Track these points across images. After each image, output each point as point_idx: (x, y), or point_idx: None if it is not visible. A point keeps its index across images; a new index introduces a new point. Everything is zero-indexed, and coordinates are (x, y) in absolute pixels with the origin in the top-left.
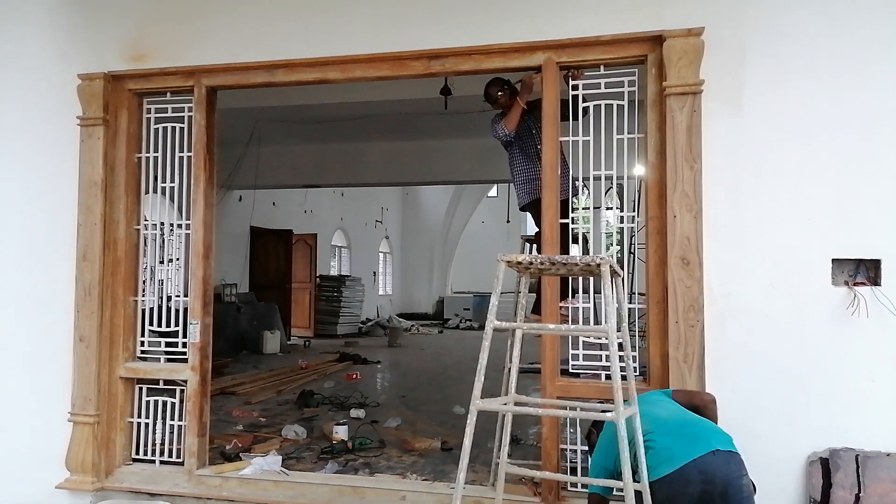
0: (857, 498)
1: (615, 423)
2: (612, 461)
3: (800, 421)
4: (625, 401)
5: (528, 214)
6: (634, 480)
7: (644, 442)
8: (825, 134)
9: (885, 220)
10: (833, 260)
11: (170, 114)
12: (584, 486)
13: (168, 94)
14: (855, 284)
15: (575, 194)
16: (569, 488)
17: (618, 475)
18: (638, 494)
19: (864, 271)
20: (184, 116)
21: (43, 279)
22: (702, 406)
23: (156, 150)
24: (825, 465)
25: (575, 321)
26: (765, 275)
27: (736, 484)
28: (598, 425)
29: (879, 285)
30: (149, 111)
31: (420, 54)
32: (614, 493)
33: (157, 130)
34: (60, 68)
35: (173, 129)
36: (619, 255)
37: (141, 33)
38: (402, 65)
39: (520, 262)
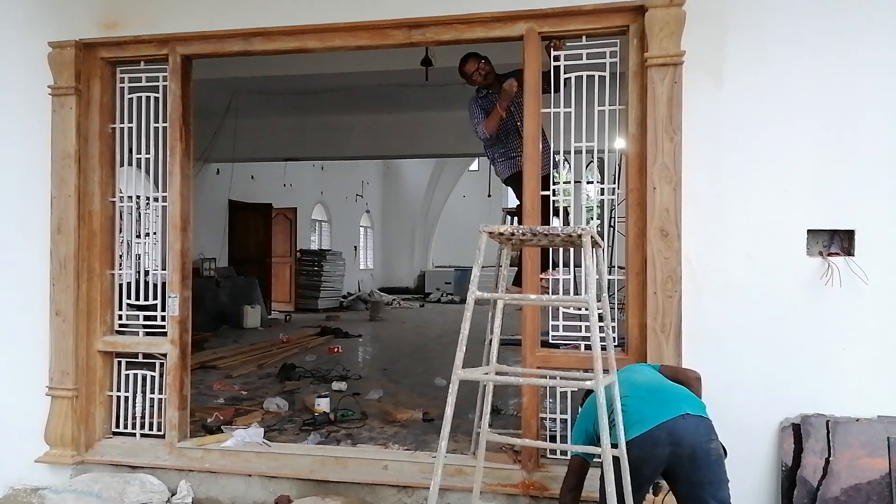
0: (827, 462)
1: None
2: (592, 424)
3: (773, 388)
4: (604, 370)
5: (510, 189)
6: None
7: None
8: (804, 108)
9: (860, 192)
10: (808, 231)
11: (144, 83)
12: (563, 453)
13: (142, 62)
14: (829, 255)
15: (555, 168)
16: (548, 455)
17: (598, 439)
18: (615, 460)
19: (838, 242)
20: (158, 86)
21: (17, 252)
22: (685, 382)
23: (130, 121)
24: (797, 431)
25: (555, 293)
26: (742, 246)
27: (704, 448)
28: (590, 394)
29: (853, 255)
30: (122, 80)
31: (400, 23)
32: (593, 460)
33: (131, 100)
34: (30, 36)
35: (147, 98)
36: (600, 229)
37: (113, 0)
38: (382, 34)
39: (502, 233)
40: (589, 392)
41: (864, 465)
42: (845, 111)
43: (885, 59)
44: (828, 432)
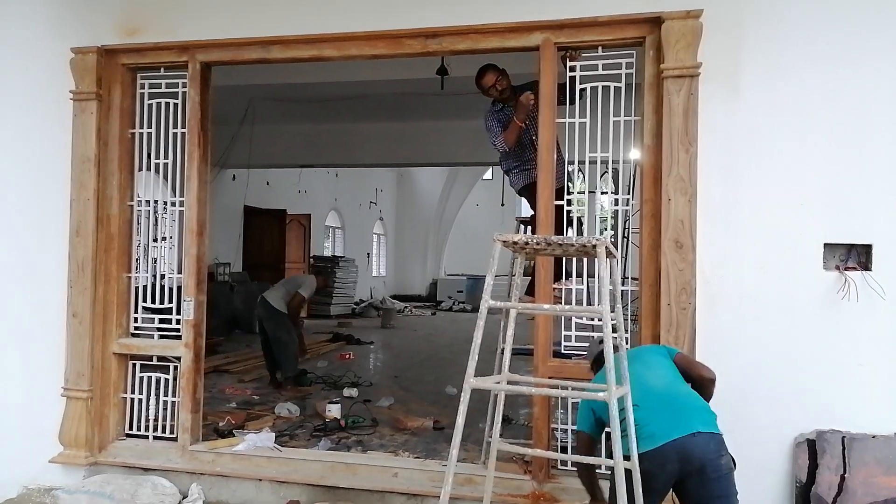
0: (843, 479)
1: (605, 375)
2: (599, 405)
3: (788, 402)
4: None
5: (523, 199)
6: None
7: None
8: (820, 119)
9: (878, 206)
10: (825, 245)
11: (164, 89)
12: (573, 464)
13: (162, 69)
14: (846, 269)
15: (569, 180)
16: (559, 467)
17: (602, 421)
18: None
19: (856, 256)
20: (178, 92)
21: (36, 254)
22: (699, 382)
23: (149, 126)
24: (812, 447)
25: (568, 303)
26: (757, 258)
27: (714, 464)
28: (599, 361)
29: (870, 270)
30: (142, 86)
31: (417, 33)
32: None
33: (150, 106)
34: (53, 42)
35: (167, 104)
36: (613, 240)
37: (135, 7)
38: (398, 43)
39: (516, 242)
40: (596, 361)
41: (881, 483)
42: (862, 123)
43: None
44: (843, 448)
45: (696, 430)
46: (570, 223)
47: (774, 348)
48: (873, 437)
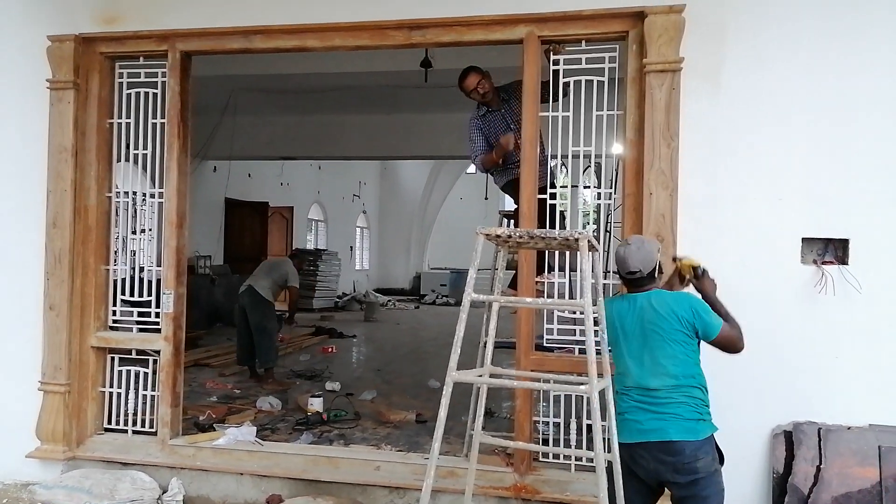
0: (819, 470)
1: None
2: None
3: (766, 395)
4: (599, 374)
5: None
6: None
7: (620, 390)
8: (800, 115)
9: (855, 201)
10: (803, 239)
11: (143, 79)
12: (555, 456)
13: (141, 58)
14: (823, 263)
15: (553, 176)
16: (540, 459)
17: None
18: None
19: (833, 250)
20: (157, 82)
21: (12, 246)
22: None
23: (128, 116)
24: (789, 439)
25: (550, 297)
26: (736, 252)
27: (688, 468)
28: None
29: (847, 264)
30: (121, 76)
31: (401, 24)
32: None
33: (129, 96)
34: (29, 30)
35: (146, 94)
36: (596, 233)
37: None
38: (382, 34)
39: (498, 236)
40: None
41: (855, 473)
42: (841, 119)
43: (877, 67)
44: (819, 440)
45: (671, 437)
46: (553, 218)
47: (752, 341)
48: (848, 428)
